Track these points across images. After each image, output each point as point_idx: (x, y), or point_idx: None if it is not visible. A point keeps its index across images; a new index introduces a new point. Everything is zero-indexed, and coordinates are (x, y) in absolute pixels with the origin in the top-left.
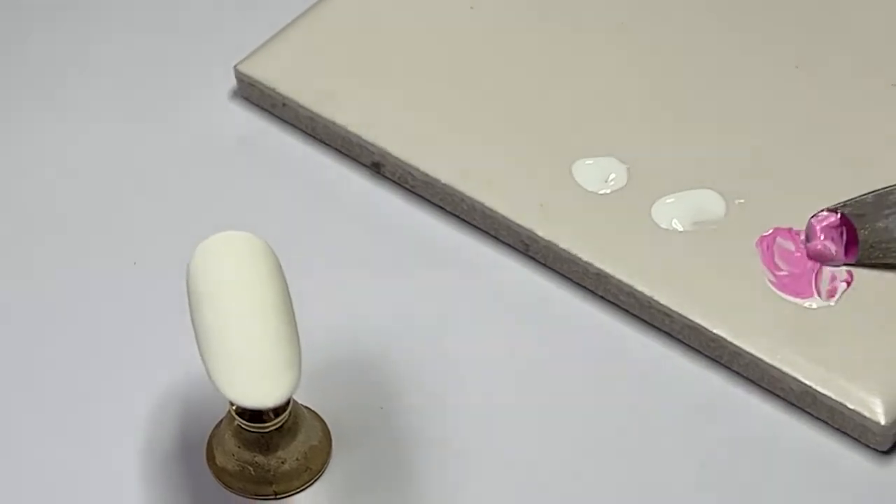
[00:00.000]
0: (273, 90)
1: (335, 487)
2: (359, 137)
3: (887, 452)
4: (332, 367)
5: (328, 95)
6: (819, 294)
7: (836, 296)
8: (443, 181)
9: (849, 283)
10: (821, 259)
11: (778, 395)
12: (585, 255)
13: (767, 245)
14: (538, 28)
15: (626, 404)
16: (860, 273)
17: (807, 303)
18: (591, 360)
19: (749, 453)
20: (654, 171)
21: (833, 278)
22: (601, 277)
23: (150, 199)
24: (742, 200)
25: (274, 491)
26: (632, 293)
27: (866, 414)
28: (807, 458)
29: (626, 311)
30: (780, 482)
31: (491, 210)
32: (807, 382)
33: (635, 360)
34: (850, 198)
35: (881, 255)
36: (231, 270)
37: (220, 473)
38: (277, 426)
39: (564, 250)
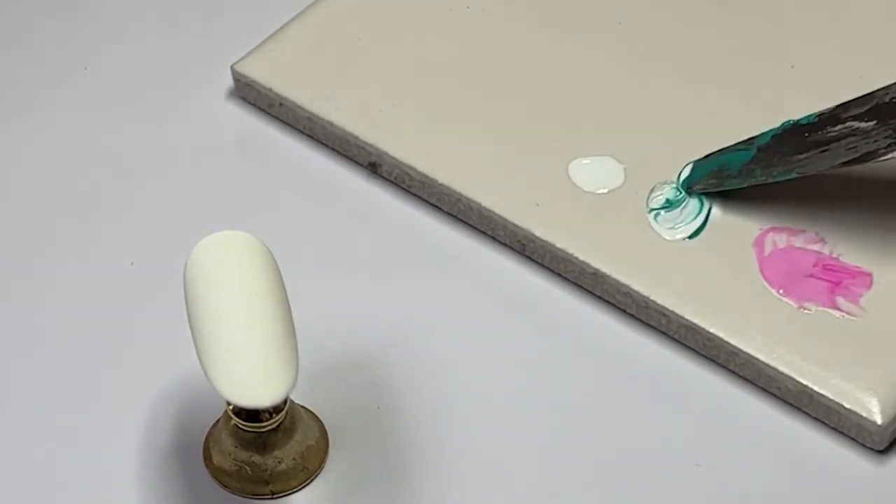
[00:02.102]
0: (270, 90)
1: (332, 487)
2: (356, 137)
3: (884, 452)
4: (329, 367)
5: (325, 95)
6: (817, 293)
7: (835, 296)
8: (440, 181)
9: (845, 284)
10: None
11: (774, 395)
12: (582, 255)
13: (764, 244)
14: (535, 28)
15: (622, 404)
16: (859, 273)
17: (803, 302)
18: (587, 359)
19: (745, 453)
20: (650, 171)
21: (830, 280)
22: (598, 277)
23: (146, 198)
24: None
25: (271, 490)
26: (628, 293)
27: (863, 413)
28: (803, 458)
29: (623, 310)
30: (777, 482)
31: (488, 210)
32: (803, 382)
33: (632, 360)
34: None
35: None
36: (228, 270)
37: (217, 473)
38: (274, 426)
39: (561, 250)
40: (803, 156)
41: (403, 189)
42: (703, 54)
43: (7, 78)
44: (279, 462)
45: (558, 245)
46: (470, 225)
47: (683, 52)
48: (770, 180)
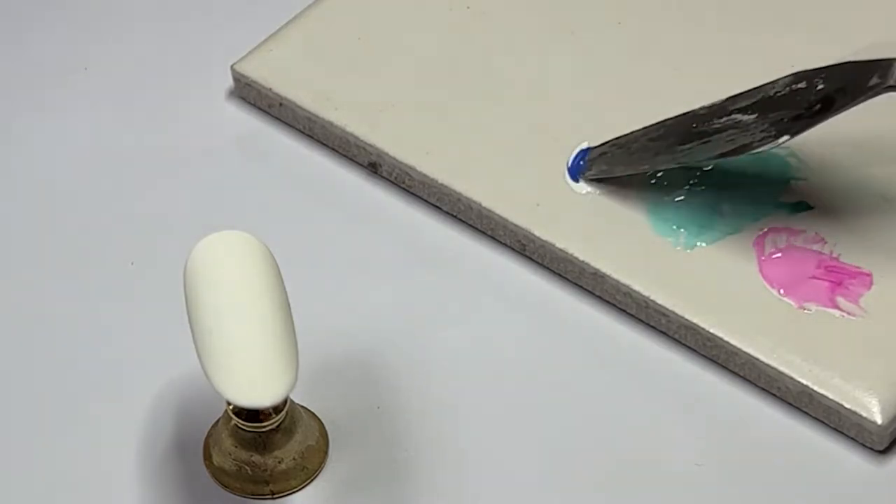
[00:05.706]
0: (270, 90)
1: (332, 487)
2: (356, 137)
3: (884, 452)
4: (329, 367)
5: (325, 95)
6: (817, 293)
7: (835, 296)
8: (440, 181)
9: (845, 284)
10: None
11: (775, 395)
12: (582, 255)
13: (764, 244)
14: (535, 28)
15: (622, 404)
16: (859, 273)
17: (803, 302)
18: (587, 359)
19: (746, 453)
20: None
21: (830, 280)
22: (598, 277)
23: (146, 198)
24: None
25: (271, 490)
26: (628, 293)
27: (863, 413)
28: (804, 458)
29: (623, 310)
30: (777, 482)
31: (488, 210)
32: (803, 382)
33: (632, 360)
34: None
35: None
36: (228, 270)
37: (217, 473)
38: (274, 426)
39: (561, 250)
40: (686, 146)
41: (403, 189)
42: (703, 54)
43: (7, 78)
44: (279, 462)
45: (558, 245)
46: (470, 225)
47: (684, 52)
48: (654, 168)
